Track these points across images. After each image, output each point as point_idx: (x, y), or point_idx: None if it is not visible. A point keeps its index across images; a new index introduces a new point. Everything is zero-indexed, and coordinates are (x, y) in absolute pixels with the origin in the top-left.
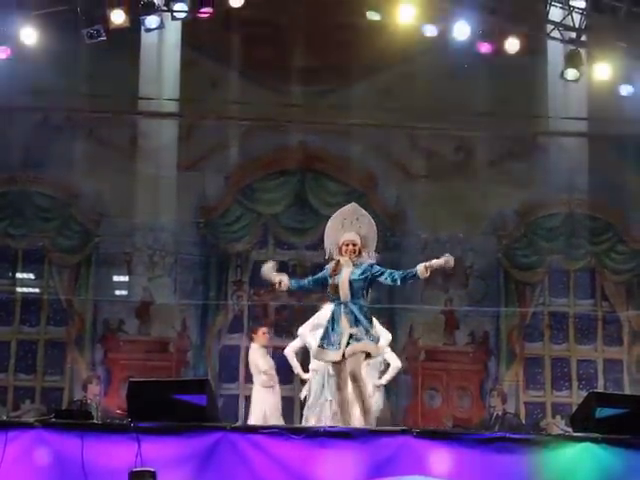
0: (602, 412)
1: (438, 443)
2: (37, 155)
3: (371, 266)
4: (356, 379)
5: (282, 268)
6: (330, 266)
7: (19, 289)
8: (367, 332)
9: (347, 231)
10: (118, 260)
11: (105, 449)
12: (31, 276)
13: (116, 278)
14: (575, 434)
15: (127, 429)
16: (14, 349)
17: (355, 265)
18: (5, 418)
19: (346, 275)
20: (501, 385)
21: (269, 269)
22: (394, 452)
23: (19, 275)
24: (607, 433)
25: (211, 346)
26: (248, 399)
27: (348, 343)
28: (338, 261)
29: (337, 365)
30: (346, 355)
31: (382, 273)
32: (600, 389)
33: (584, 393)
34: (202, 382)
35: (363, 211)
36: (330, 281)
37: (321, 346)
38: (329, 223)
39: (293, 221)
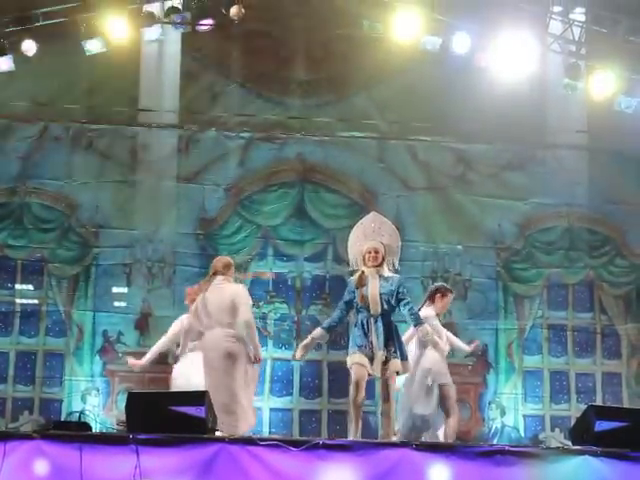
0: (601, 425)
1: (437, 456)
2: (37, 166)
3: (400, 285)
4: (388, 399)
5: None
6: (354, 278)
7: (18, 300)
8: (397, 350)
9: (369, 240)
10: (117, 271)
11: (104, 460)
12: (30, 287)
13: (115, 289)
14: (574, 447)
15: (126, 440)
16: (13, 360)
17: (382, 278)
18: (4, 429)
19: (375, 287)
20: (500, 398)
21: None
22: (393, 464)
23: (18, 286)
24: (606, 446)
25: None
26: None
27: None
28: (362, 272)
29: (362, 370)
30: (379, 374)
31: (404, 300)
32: (599, 402)
33: (583, 406)
34: (201, 394)
35: (385, 219)
36: (358, 292)
37: (355, 352)
38: (351, 234)
39: (292, 233)
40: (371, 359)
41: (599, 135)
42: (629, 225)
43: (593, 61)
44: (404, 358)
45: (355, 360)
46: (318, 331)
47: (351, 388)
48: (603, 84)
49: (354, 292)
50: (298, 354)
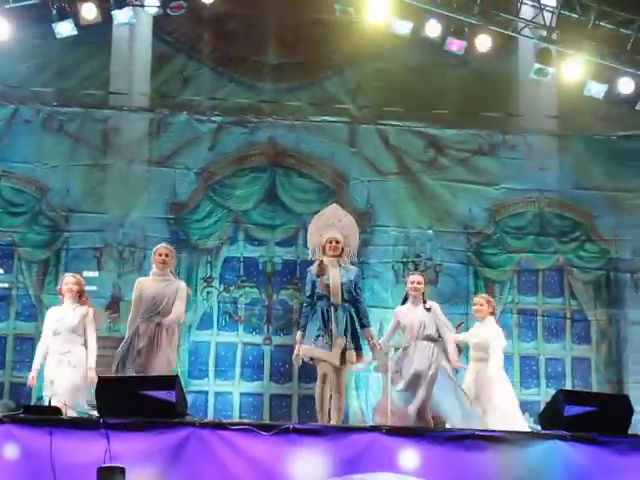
0: (570, 410)
1: (407, 440)
2: (7, 149)
3: (358, 276)
4: (339, 391)
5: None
6: (313, 267)
7: None
8: (353, 341)
9: (330, 230)
10: (88, 256)
11: (74, 445)
12: (0, 271)
13: (86, 274)
14: (543, 431)
15: (96, 425)
16: None
17: (342, 267)
18: None
19: (335, 276)
20: None
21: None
22: (363, 449)
23: None
24: (575, 431)
25: (180, 342)
26: (217, 395)
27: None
28: (321, 261)
29: (325, 364)
30: (338, 363)
31: (357, 292)
32: (568, 387)
33: (552, 391)
34: (171, 378)
35: (345, 212)
36: (318, 281)
37: (309, 344)
38: (312, 223)
39: (263, 217)
40: (330, 347)
41: (569, 121)
42: (599, 211)
43: (564, 46)
44: (359, 348)
45: (312, 354)
46: (300, 334)
47: (318, 382)
48: (574, 69)
49: (315, 282)
50: (297, 361)
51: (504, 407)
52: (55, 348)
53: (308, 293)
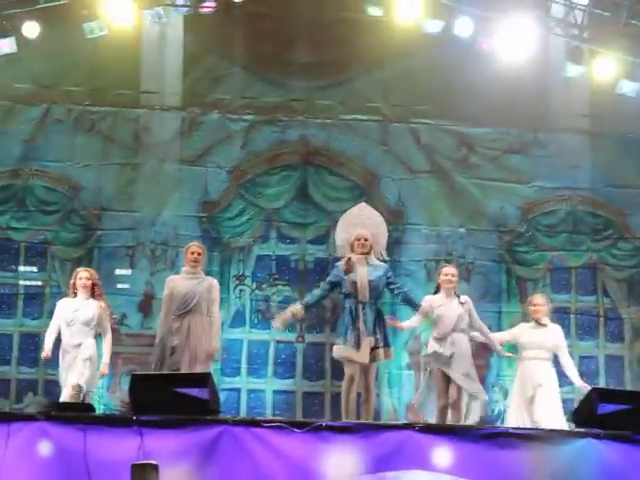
0: (604, 408)
1: (440, 438)
2: (39, 148)
3: (387, 270)
4: (368, 388)
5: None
6: (341, 264)
7: (22, 282)
8: (382, 339)
9: (358, 228)
10: (120, 254)
11: (107, 442)
12: (33, 269)
13: (118, 272)
14: (577, 430)
15: (129, 422)
16: (17, 342)
17: (370, 265)
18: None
19: (363, 274)
20: (503, 380)
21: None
22: (396, 447)
23: (22, 268)
24: (609, 429)
25: None
26: (250, 393)
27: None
28: (349, 258)
29: (353, 364)
30: (366, 361)
31: (393, 283)
32: (601, 385)
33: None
34: (204, 376)
35: (373, 210)
36: (346, 279)
37: (341, 343)
38: (340, 222)
39: (295, 215)
40: (358, 345)
41: (601, 119)
42: (631, 208)
43: (595, 45)
44: (388, 345)
45: (342, 354)
46: (297, 307)
47: (344, 383)
48: (605, 68)
49: (340, 277)
50: (276, 323)
51: (558, 406)
52: (67, 340)
53: (329, 280)
